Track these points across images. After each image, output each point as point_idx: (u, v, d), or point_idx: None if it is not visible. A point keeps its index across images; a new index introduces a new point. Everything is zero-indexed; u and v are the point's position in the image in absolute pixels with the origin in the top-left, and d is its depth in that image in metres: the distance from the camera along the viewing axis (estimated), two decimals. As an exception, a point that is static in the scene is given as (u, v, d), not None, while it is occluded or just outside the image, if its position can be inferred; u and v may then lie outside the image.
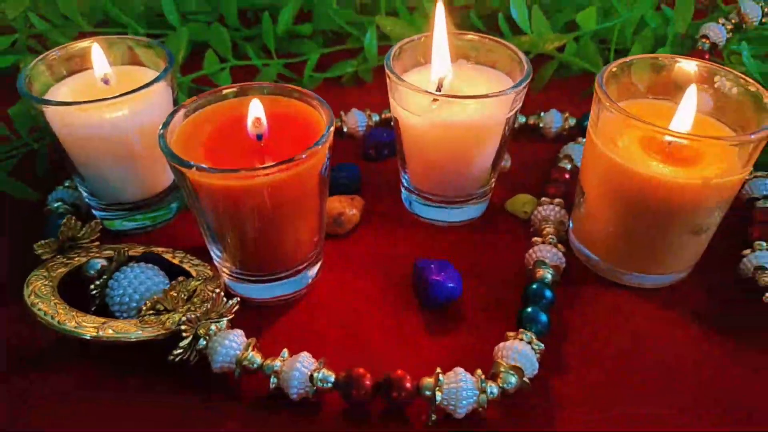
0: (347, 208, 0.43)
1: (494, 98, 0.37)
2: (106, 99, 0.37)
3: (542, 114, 0.52)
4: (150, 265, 0.36)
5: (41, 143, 0.45)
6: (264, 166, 0.32)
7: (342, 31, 0.61)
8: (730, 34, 0.53)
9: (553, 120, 0.51)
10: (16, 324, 0.37)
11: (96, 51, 0.39)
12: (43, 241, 0.37)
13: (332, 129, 0.34)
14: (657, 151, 0.35)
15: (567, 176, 0.45)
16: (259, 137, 0.34)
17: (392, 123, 0.42)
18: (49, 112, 0.37)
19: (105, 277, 0.36)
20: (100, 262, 0.37)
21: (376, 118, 0.52)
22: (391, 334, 0.37)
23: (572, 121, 0.51)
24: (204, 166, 0.31)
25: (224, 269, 0.38)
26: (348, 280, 0.40)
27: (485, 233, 0.44)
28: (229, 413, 0.33)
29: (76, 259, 0.37)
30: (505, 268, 0.41)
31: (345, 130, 0.52)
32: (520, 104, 0.40)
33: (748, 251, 0.39)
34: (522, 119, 0.52)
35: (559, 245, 0.39)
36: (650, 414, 0.33)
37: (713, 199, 0.34)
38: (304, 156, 0.32)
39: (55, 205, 0.42)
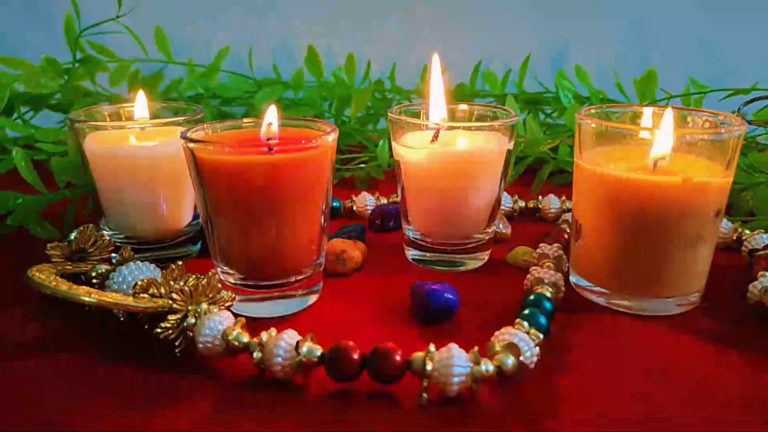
0: (350, 248, 0.44)
1: (490, 132, 0.42)
2: (139, 125, 0.42)
3: (540, 198, 0.55)
4: (152, 264, 0.37)
5: (73, 192, 0.49)
6: (269, 144, 0.35)
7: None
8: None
9: (551, 203, 0.54)
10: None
11: (140, 97, 0.45)
12: (56, 243, 0.39)
13: (336, 134, 0.37)
14: (645, 170, 0.37)
15: (565, 236, 0.47)
16: (270, 149, 0.38)
17: (395, 168, 0.45)
18: (87, 140, 0.42)
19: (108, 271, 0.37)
20: (105, 267, 0.38)
21: (384, 201, 0.56)
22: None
23: (569, 203, 0.54)
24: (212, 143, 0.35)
25: (228, 281, 0.38)
26: (347, 307, 0.40)
27: (486, 277, 0.44)
28: (206, 393, 0.31)
29: (83, 266, 0.39)
30: (505, 301, 0.40)
31: (354, 209, 0.55)
32: (513, 142, 0.43)
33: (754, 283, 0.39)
34: (521, 204, 0.55)
35: (559, 273, 0.39)
36: (650, 414, 0.30)
37: (700, 201, 0.36)
38: (305, 142, 0.35)
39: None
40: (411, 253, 0.46)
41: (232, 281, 0.38)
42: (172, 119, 0.43)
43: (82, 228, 0.40)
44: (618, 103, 0.51)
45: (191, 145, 0.35)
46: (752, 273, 0.40)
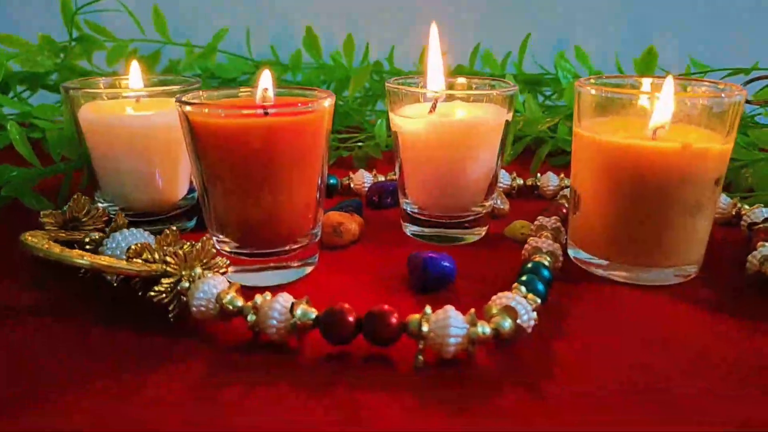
0: (347, 220, 0.44)
1: (488, 103, 0.41)
2: (134, 93, 0.41)
3: (539, 175, 0.55)
4: (147, 231, 0.37)
5: (68, 166, 0.49)
6: (263, 107, 0.34)
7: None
8: None
9: (549, 180, 0.54)
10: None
11: (134, 68, 0.45)
12: (50, 211, 0.38)
13: (334, 99, 0.37)
14: (642, 138, 0.37)
15: (564, 210, 0.46)
16: (266, 112, 0.38)
17: (392, 138, 0.45)
18: (83, 110, 0.42)
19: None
20: (98, 234, 0.38)
21: (381, 178, 0.55)
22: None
23: (568, 181, 0.53)
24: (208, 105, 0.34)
25: (224, 250, 0.38)
26: (343, 277, 0.39)
27: (484, 250, 0.44)
28: (200, 356, 0.31)
29: (77, 234, 0.38)
30: (503, 273, 0.40)
31: (352, 186, 0.55)
32: (512, 113, 0.43)
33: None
34: (520, 181, 0.54)
35: (557, 243, 0.39)
36: (650, 384, 0.29)
37: (699, 168, 0.35)
38: (301, 105, 0.35)
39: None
40: (409, 229, 0.46)
41: (228, 250, 0.38)
42: (168, 88, 0.43)
43: (75, 196, 0.39)
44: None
45: (186, 108, 0.35)
46: (751, 245, 0.40)
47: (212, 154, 0.36)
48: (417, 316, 0.30)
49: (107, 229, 0.38)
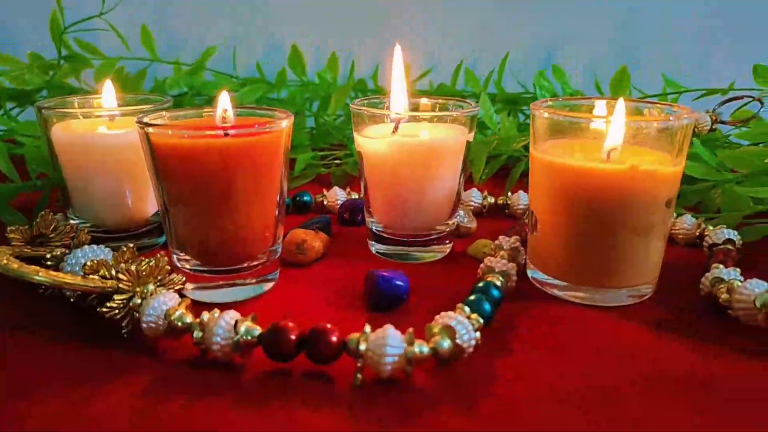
0: (311, 238, 0.44)
1: (451, 123, 0.42)
2: (106, 113, 0.42)
3: (510, 194, 0.55)
4: (108, 248, 0.38)
5: (45, 182, 0.50)
6: (222, 128, 0.35)
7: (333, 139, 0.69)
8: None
9: (520, 199, 0.54)
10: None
11: (107, 88, 0.46)
12: (17, 227, 0.39)
13: (292, 119, 0.38)
14: (598, 161, 0.38)
15: (527, 229, 0.47)
16: (226, 133, 0.39)
17: (357, 160, 0.46)
18: (55, 129, 0.43)
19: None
20: (61, 250, 0.39)
21: (355, 196, 0.56)
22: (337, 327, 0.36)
23: (539, 200, 0.54)
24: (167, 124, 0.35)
25: (184, 267, 0.39)
26: (301, 294, 0.40)
27: (446, 268, 0.44)
28: (147, 373, 0.31)
29: (42, 250, 0.39)
30: (459, 290, 0.40)
31: (325, 203, 0.55)
32: (473, 133, 0.44)
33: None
34: (491, 200, 0.55)
35: (512, 263, 0.40)
36: (595, 398, 0.30)
37: (648, 190, 0.36)
38: (258, 126, 0.36)
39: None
40: (375, 247, 0.47)
41: (188, 267, 0.39)
42: (138, 107, 0.44)
43: (43, 213, 0.40)
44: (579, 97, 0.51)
45: (146, 129, 0.36)
46: (708, 266, 0.40)
47: (171, 175, 0.36)
48: (356, 334, 0.30)
49: (70, 248, 0.39)
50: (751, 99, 0.59)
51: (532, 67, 0.78)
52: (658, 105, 0.40)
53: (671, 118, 0.37)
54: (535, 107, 0.39)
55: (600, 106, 0.41)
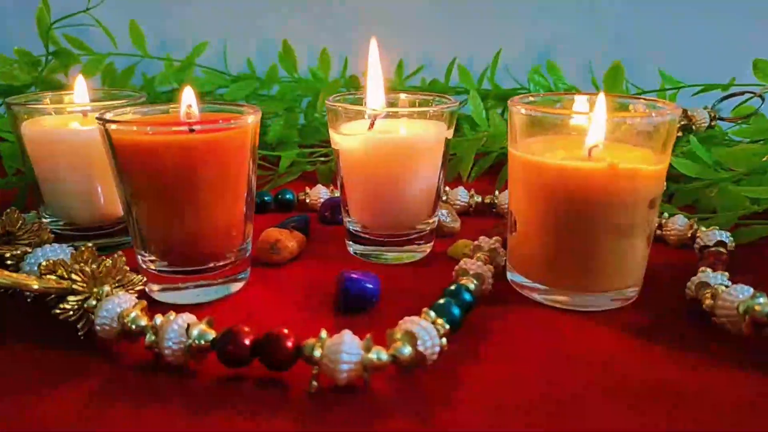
0: (285, 237, 0.43)
1: (430, 120, 0.41)
2: (78, 108, 0.41)
3: (497, 193, 0.53)
4: (70, 247, 0.37)
5: (21, 179, 0.49)
6: (186, 123, 0.34)
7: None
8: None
9: (507, 198, 0.52)
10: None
11: (79, 83, 0.45)
12: (-20, 225, 0.39)
13: (259, 115, 0.37)
14: (579, 159, 0.36)
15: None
16: (192, 129, 0.37)
17: (334, 158, 0.44)
18: (24, 126, 0.42)
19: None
20: (24, 249, 0.38)
21: (338, 194, 0.55)
22: (299, 331, 0.34)
23: (527, 199, 0.52)
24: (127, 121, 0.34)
25: (149, 268, 0.37)
26: (272, 295, 0.39)
27: (423, 269, 0.43)
28: (98, 376, 0.30)
29: (7, 249, 0.38)
30: (433, 293, 0.38)
31: (308, 201, 0.54)
32: (452, 130, 0.42)
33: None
34: (478, 199, 0.53)
35: (489, 265, 0.38)
36: (561, 406, 0.28)
37: (629, 189, 0.34)
38: (223, 122, 0.34)
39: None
40: (352, 248, 0.45)
41: (153, 268, 0.37)
42: (109, 103, 0.43)
43: (9, 210, 0.39)
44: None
45: (106, 126, 0.35)
46: (697, 269, 0.38)
47: (133, 173, 0.35)
48: (312, 340, 0.29)
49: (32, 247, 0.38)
50: (751, 95, 0.57)
51: (529, 64, 0.76)
52: (643, 100, 0.38)
53: (653, 114, 0.35)
54: (512, 103, 0.37)
55: (581, 101, 0.39)
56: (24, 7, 0.84)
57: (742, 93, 0.58)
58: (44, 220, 0.45)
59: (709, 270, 0.37)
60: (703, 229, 0.44)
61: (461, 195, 0.53)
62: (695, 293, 0.35)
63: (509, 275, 0.40)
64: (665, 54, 0.80)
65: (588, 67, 0.72)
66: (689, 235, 0.45)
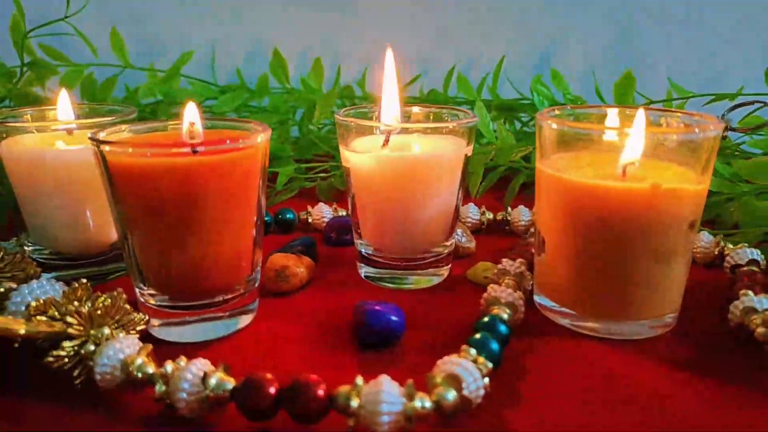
0: (294, 263, 0.40)
1: (448, 135, 0.38)
2: (63, 125, 0.38)
3: (510, 209, 0.51)
4: (61, 283, 0.33)
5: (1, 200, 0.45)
6: (190, 144, 0.31)
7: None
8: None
9: (520, 215, 0.50)
10: None
11: (62, 98, 0.41)
12: (-43, 259, 0.35)
13: (269, 133, 0.34)
14: (612, 177, 0.34)
15: (532, 250, 0.43)
16: (195, 150, 0.34)
17: (344, 176, 0.41)
18: (4, 145, 0.38)
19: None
20: (8, 284, 0.34)
21: (342, 213, 0.52)
22: (323, 373, 0.31)
23: (541, 215, 0.50)
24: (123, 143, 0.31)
25: (149, 303, 0.34)
26: (283, 329, 0.36)
27: (443, 295, 0.40)
28: (102, 429, 0.27)
29: (-12, 284, 0.35)
30: (459, 323, 0.36)
31: (310, 221, 0.51)
32: (472, 146, 0.40)
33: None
34: (489, 216, 0.51)
35: (519, 292, 0.35)
36: None
37: (670, 211, 0.32)
38: (230, 142, 0.31)
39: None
40: (363, 270, 0.42)
41: (153, 303, 0.34)
42: (98, 120, 0.39)
43: (-12, 242, 0.36)
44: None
45: (100, 147, 0.31)
46: (734, 291, 0.36)
47: (131, 198, 0.32)
48: (347, 387, 0.26)
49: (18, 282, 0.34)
50: (762, 104, 0.55)
51: (526, 72, 0.74)
52: (677, 113, 0.36)
53: (696, 130, 0.33)
54: (541, 117, 0.35)
55: (612, 115, 0.37)
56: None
57: (752, 103, 0.57)
58: (26, 248, 0.41)
59: (751, 293, 0.35)
60: (731, 246, 0.42)
61: (472, 212, 0.50)
62: (741, 319, 0.33)
63: (536, 298, 0.38)
64: (668, 63, 0.80)
65: (588, 74, 0.70)
66: (716, 252, 0.43)
